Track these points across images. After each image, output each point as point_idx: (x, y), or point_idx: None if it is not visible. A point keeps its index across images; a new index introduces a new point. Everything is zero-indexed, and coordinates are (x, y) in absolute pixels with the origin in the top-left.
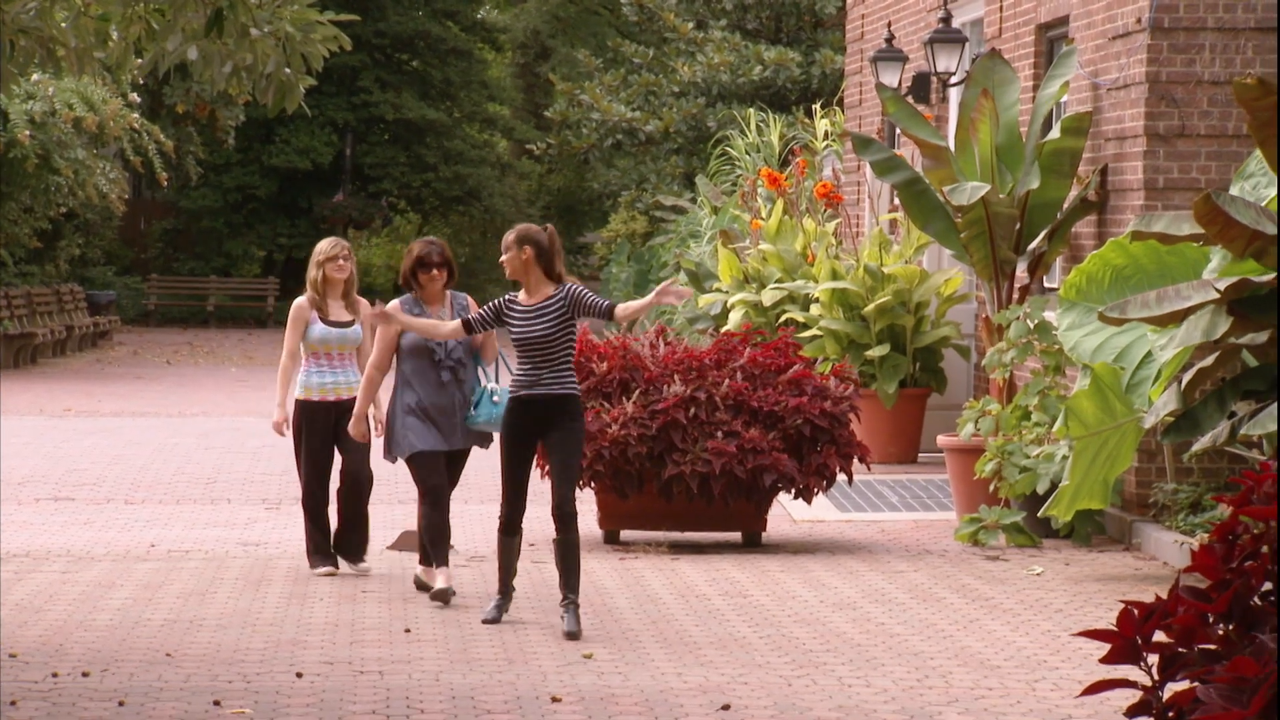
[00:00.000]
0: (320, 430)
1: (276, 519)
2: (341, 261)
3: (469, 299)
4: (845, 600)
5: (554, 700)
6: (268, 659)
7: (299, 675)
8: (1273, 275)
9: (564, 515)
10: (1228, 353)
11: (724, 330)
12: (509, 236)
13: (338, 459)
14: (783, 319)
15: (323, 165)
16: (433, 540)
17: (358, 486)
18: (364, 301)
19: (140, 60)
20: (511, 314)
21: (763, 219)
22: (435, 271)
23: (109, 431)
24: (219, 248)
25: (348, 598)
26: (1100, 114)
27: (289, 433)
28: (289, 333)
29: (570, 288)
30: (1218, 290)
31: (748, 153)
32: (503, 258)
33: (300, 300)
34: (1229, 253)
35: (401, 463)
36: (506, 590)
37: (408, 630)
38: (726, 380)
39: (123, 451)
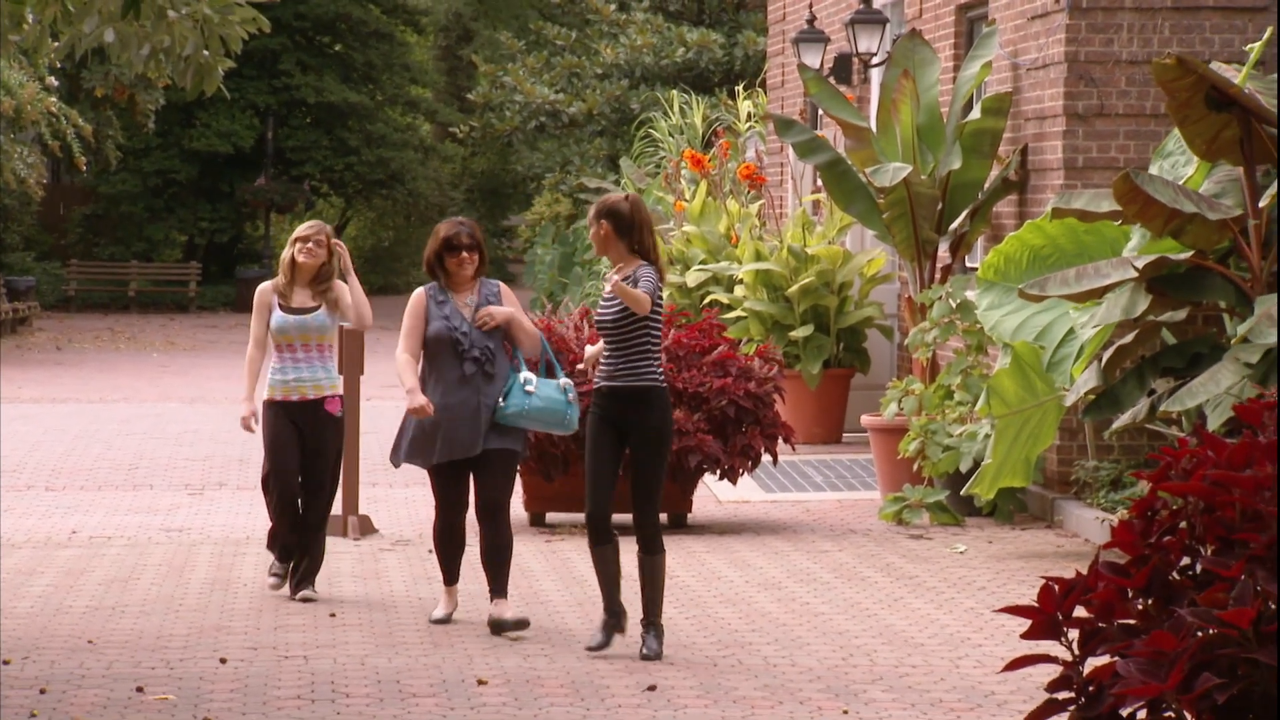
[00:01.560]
0: (281, 433)
1: (199, 505)
2: (312, 246)
3: (502, 285)
4: (770, 580)
5: (480, 683)
6: (191, 645)
7: (223, 661)
8: (1191, 253)
9: (646, 535)
10: (1147, 330)
11: None
12: (591, 210)
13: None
14: (707, 300)
15: (244, 149)
16: (442, 555)
17: (315, 502)
18: (342, 285)
19: (57, 43)
20: (601, 298)
21: (686, 201)
22: (465, 255)
23: (29, 418)
24: (140, 233)
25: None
26: (1020, 94)
27: (259, 429)
28: (253, 320)
29: (639, 267)
30: (1136, 268)
31: (671, 135)
32: (589, 227)
33: (264, 285)
34: (1148, 231)
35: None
36: (614, 609)
37: (333, 615)
38: None
39: (43, 438)
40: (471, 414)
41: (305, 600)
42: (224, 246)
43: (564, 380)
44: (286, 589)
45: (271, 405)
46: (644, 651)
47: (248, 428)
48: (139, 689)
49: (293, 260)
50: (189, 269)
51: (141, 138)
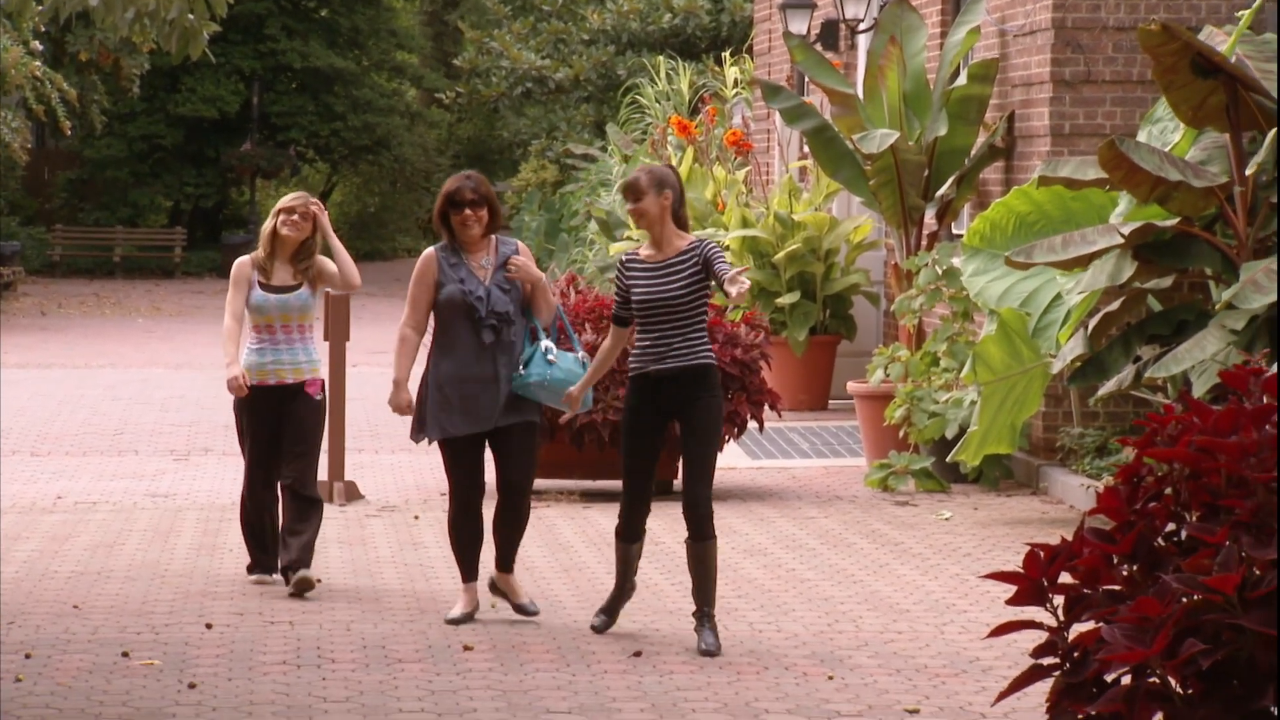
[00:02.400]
0: (260, 417)
1: (185, 470)
2: (296, 218)
3: (520, 244)
4: (756, 546)
5: (466, 649)
6: (177, 610)
7: (209, 626)
8: (1177, 220)
9: (699, 516)
10: (1133, 297)
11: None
12: (641, 179)
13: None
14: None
15: (230, 114)
16: (457, 545)
17: (298, 487)
18: (326, 261)
19: (41, 7)
20: (633, 274)
21: (673, 167)
22: (469, 211)
23: (14, 383)
24: (125, 198)
25: None
26: (1007, 60)
27: (246, 384)
28: (229, 294)
29: (705, 243)
30: (1123, 235)
31: (658, 101)
32: (634, 204)
33: (243, 258)
34: (1134, 198)
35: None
36: (621, 594)
37: (319, 580)
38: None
39: (28, 403)
40: (490, 384)
41: (303, 583)
42: (209, 212)
43: (581, 354)
44: (299, 629)
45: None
46: (702, 646)
47: (239, 388)
48: (125, 654)
49: (274, 232)
50: (174, 234)
51: (126, 102)
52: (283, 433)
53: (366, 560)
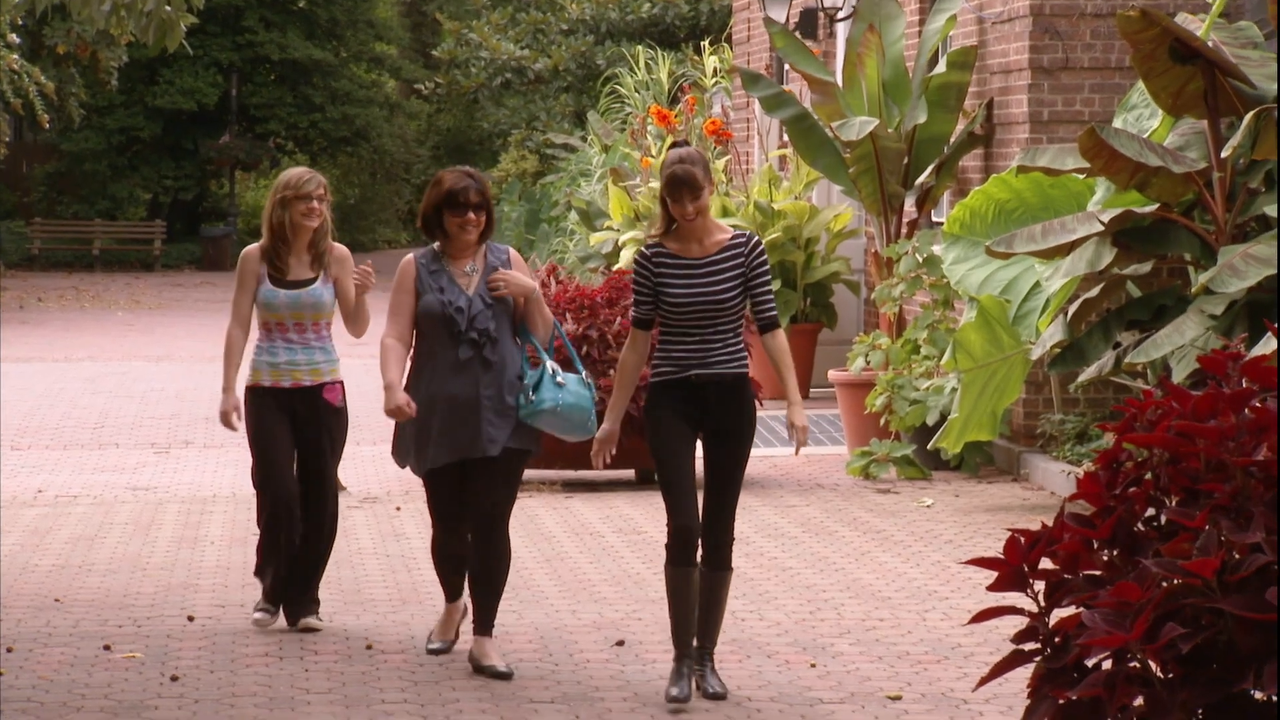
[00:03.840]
0: (272, 425)
1: (165, 463)
2: (315, 204)
3: (512, 252)
4: (738, 535)
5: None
6: (158, 603)
7: (190, 619)
8: (1156, 206)
9: (720, 542)
10: (1112, 284)
11: (615, 269)
12: (696, 172)
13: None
14: (653, 237)
15: (208, 106)
16: (441, 572)
17: (316, 514)
18: (340, 249)
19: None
20: (667, 271)
21: (653, 157)
22: (472, 215)
23: None
24: (103, 190)
25: (239, 540)
26: (985, 48)
27: (240, 425)
28: (236, 292)
29: (750, 238)
30: (1102, 222)
31: (637, 90)
32: (694, 202)
33: (250, 248)
34: (1113, 185)
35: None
36: (685, 646)
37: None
38: (619, 318)
39: (7, 397)
40: (471, 408)
41: (307, 630)
42: (188, 204)
43: (584, 373)
44: (281, 620)
45: (257, 392)
46: (710, 690)
47: (229, 424)
48: (106, 647)
49: (290, 221)
50: (153, 227)
51: (104, 95)
52: (299, 443)
53: (348, 552)
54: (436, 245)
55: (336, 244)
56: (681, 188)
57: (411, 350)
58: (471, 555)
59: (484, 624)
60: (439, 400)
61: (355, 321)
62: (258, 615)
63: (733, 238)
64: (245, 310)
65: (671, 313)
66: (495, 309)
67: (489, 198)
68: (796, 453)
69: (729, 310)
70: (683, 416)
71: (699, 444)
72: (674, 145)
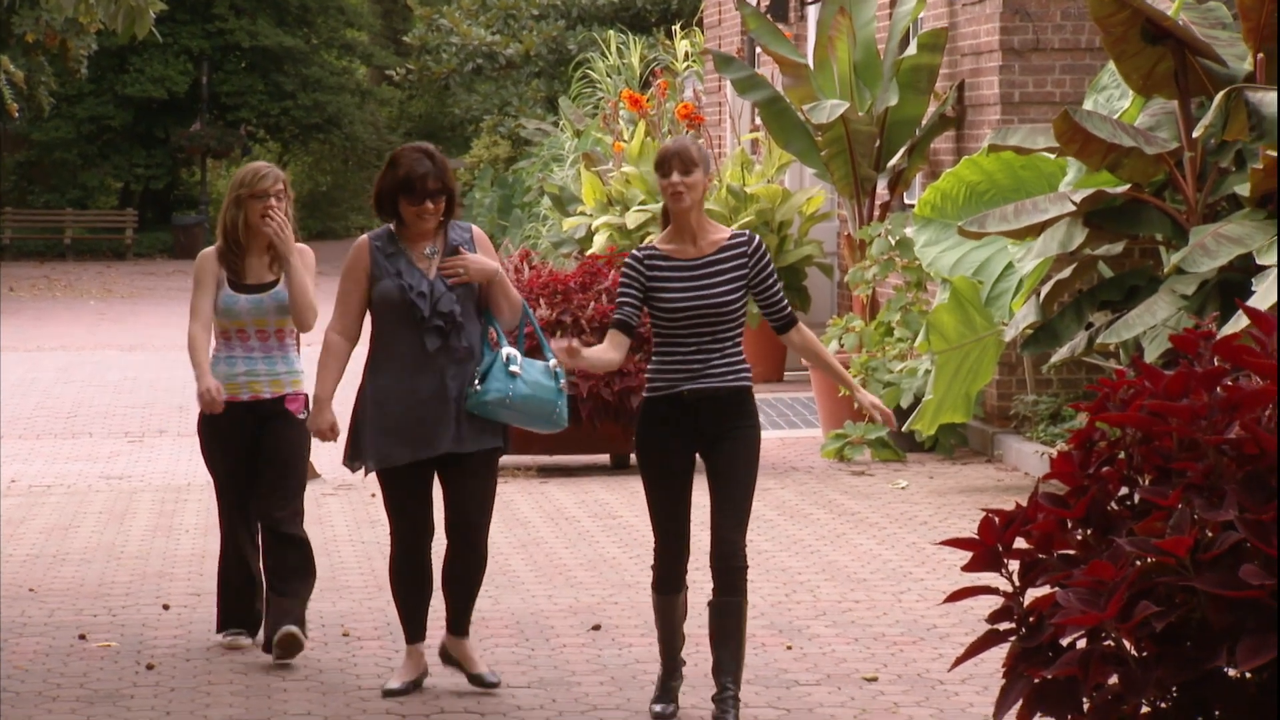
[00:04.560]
0: (232, 442)
1: (139, 452)
2: (272, 202)
3: (475, 230)
4: None
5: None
6: (134, 592)
7: (166, 607)
8: (1127, 186)
9: (731, 568)
10: (1084, 264)
11: (589, 253)
12: (691, 148)
13: None
14: (647, 241)
15: (179, 94)
16: (400, 599)
17: (275, 533)
18: (302, 248)
19: None
20: (660, 273)
21: (625, 141)
22: (429, 205)
23: None
24: (74, 180)
25: (214, 528)
26: (956, 29)
27: (222, 398)
28: (195, 294)
29: (753, 238)
30: (1074, 203)
31: (609, 75)
32: (683, 176)
33: (207, 251)
34: (1084, 166)
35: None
36: (671, 668)
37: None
38: (592, 303)
39: None
40: (437, 402)
41: (289, 644)
42: (160, 193)
43: (553, 361)
44: (254, 639)
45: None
46: None
47: (212, 403)
48: (81, 636)
49: (244, 223)
50: (125, 216)
51: (74, 84)
52: (259, 460)
53: (324, 539)
54: (392, 226)
55: (303, 245)
56: (671, 159)
57: (367, 344)
58: (446, 559)
59: (461, 625)
60: (402, 395)
61: (296, 311)
62: (226, 637)
63: (731, 237)
64: (206, 311)
65: (665, 320)
66: (460, 292)
67: (450, 181)
68: (891, 424)
69: (729, 316)
70: (676, 439)
71: (699, 460)
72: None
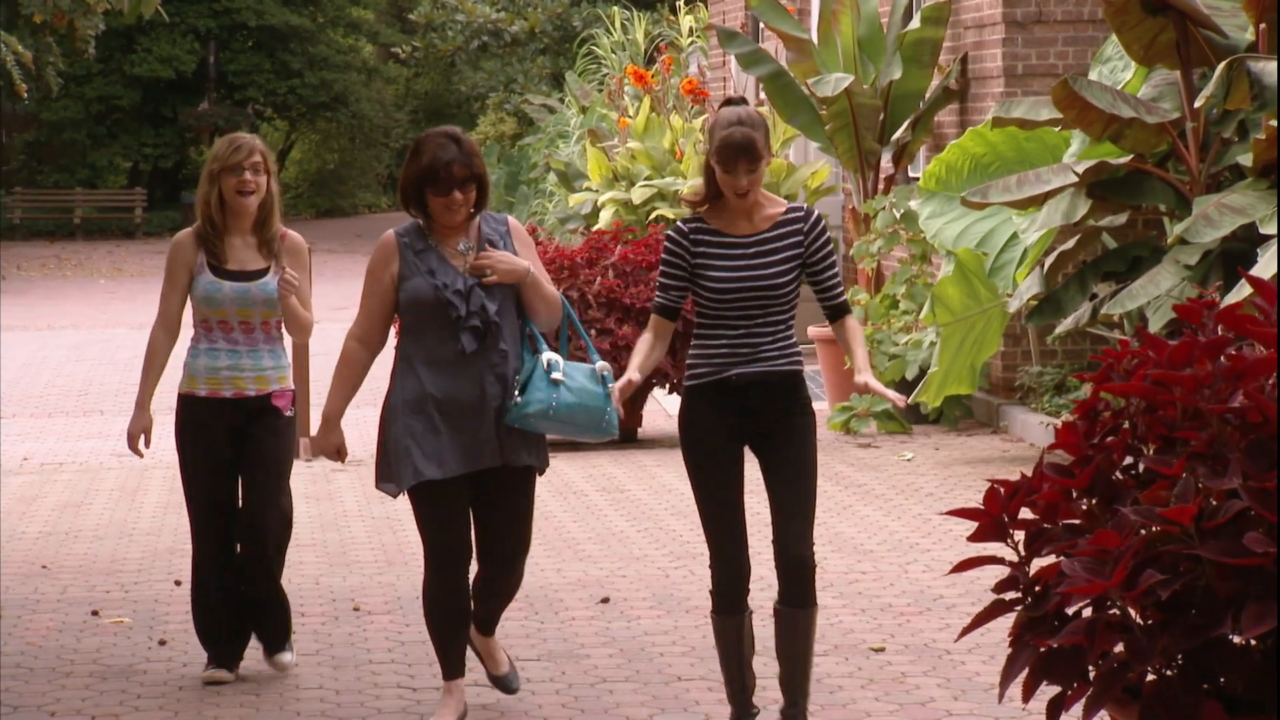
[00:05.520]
0: (208, 443)
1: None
2: (248, 176)
3: (512, 222)
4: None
5: None
6: (145, 568)
7: (177, 583)
8: (1130, 157)
9: (800, 573)
10: (1088, 235)
11: (595, 229)
12: (755, 137)
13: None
14: (653, 216)
15: (186, 74)
16: (437, 631)
17: (258, 542)
18: (294, 238)
19: None
20: (708, 250)
21: (630, 117)
22: (458, 195)
23: None
24: (83, 159)
25: None
26: (959, 2)
27: (146, 450)
28: (165, 285)
29: (810, 213)
30: (1077, 174)
31: (614, 51)
32: (751, 172)
33: (181, 235)
34: (1088, 137)
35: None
36: (743, 705)
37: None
38: (598, 278)
39: None
40: (476, 411)
41: (282, 668)
42: (168, 172)
43: (600, 364)
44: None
45: (190, 403)
46: None
47: (134, 446)
48: (94, 612)
49: (222, 199)
50: (134, 195)
51: (82, 64)
52: (243, 461)
53: (333, 514)
54: (418, 224)
55: (290, 231)
56: (739, 157)
57: (380, 351)
58: (479, 577)
59: (488, 624)
60: (438, 403)
61: (292, 325)
62: (206, 671)
63: (787, 211)
64: (175, 308)
65: (712, 300)
66: (497, 289)
67: (479, 167)
68: (901, 403)
69: (781, 297)
70: (724, 431)
71: (749, 454)
72: (728, 102)
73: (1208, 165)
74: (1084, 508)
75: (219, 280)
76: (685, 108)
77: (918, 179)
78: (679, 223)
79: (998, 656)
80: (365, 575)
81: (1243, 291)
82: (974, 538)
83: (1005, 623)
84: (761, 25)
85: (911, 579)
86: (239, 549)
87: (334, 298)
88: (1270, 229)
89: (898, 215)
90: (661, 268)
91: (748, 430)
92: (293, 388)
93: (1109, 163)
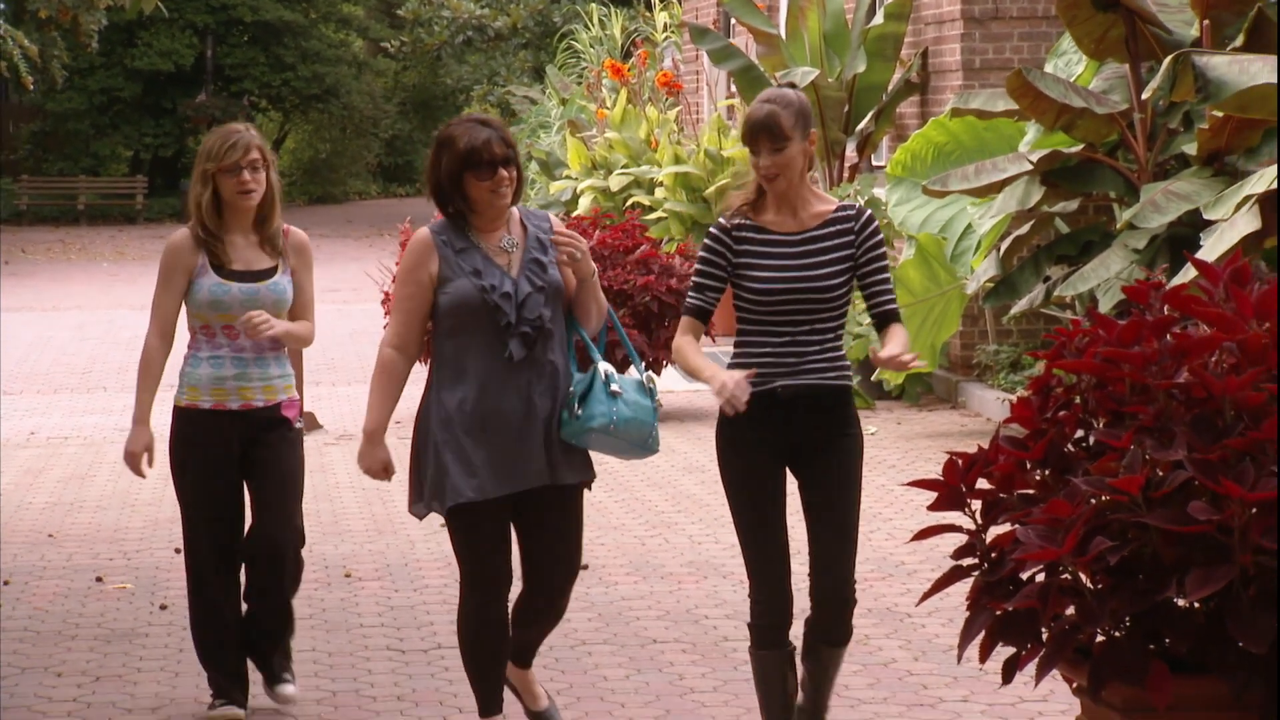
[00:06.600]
0: (213, 460)
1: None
2: (247, 176)
3: (554, 219)
4: (694, 464)
5: (421, 566)
6: (147, 537)
7: (177, 551)
8: (1081, 146)
9: (838, 609)
10: (1042, 221)
11: (574, 215)
12: (781, 114)
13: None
14: (629, 202)
15: (185, 67)
16: (474, 662)
17: (275, 561)
18: (298, 235)
19: None
20: (751, 248)
21: (608, 109)
22: (504, 173)
23: None
24: (87, 148)
25: None
26: None
27: (148, 468)
28: (159, 290)
29: (863, 209)
30: (1031, 162)
31: (592, 46)
32: (774, 155)
33: (177, 237)
34: (1041, 127)
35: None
36: None
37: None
38: None
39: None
40: (524, 423)
41: (285, 701)
42: (168, 160)
43: (647, 374)
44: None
45: (192, 416)
46: None
47: (136, 469)
48: (98, 579)
49: (215, 200)
50: (135, 182)
51: (86, 57)
52: (253, 477)
53: (326, 486)
54: (451, 216)
55: (292, 227)
56: (759, 133)
57: (418, 359)
58: (521, 602)
59: (525, 655)
60: (482, 416)
61: (296, 345)
62: (215, 712)
63: (837, 209)
64: (171, 314)
65: (754, 303)
66: (548, 292)
67: (514, 144)
68: (877, 357)
69: (831, 301)
70: (765, 448)
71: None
72: (786, 86)
73: (1155, 154)
74: (1037, 478)
75: (226, 282)
76: (660, 100)
77: (881, 167)
78: (721, 219)
79: (956, 620)
80: (356, 544)
81: (1188, 274)
82: (934, 507)
83: (963, 588)
84: (733, 21)
85: (874, 546)
86: (247, 572)
87: (325, 280)
88: (1214, 214)
89: (862, 202)
90: (698, 265)
91: (790, 448)
92: (298, 396)
93: (1061, 152)
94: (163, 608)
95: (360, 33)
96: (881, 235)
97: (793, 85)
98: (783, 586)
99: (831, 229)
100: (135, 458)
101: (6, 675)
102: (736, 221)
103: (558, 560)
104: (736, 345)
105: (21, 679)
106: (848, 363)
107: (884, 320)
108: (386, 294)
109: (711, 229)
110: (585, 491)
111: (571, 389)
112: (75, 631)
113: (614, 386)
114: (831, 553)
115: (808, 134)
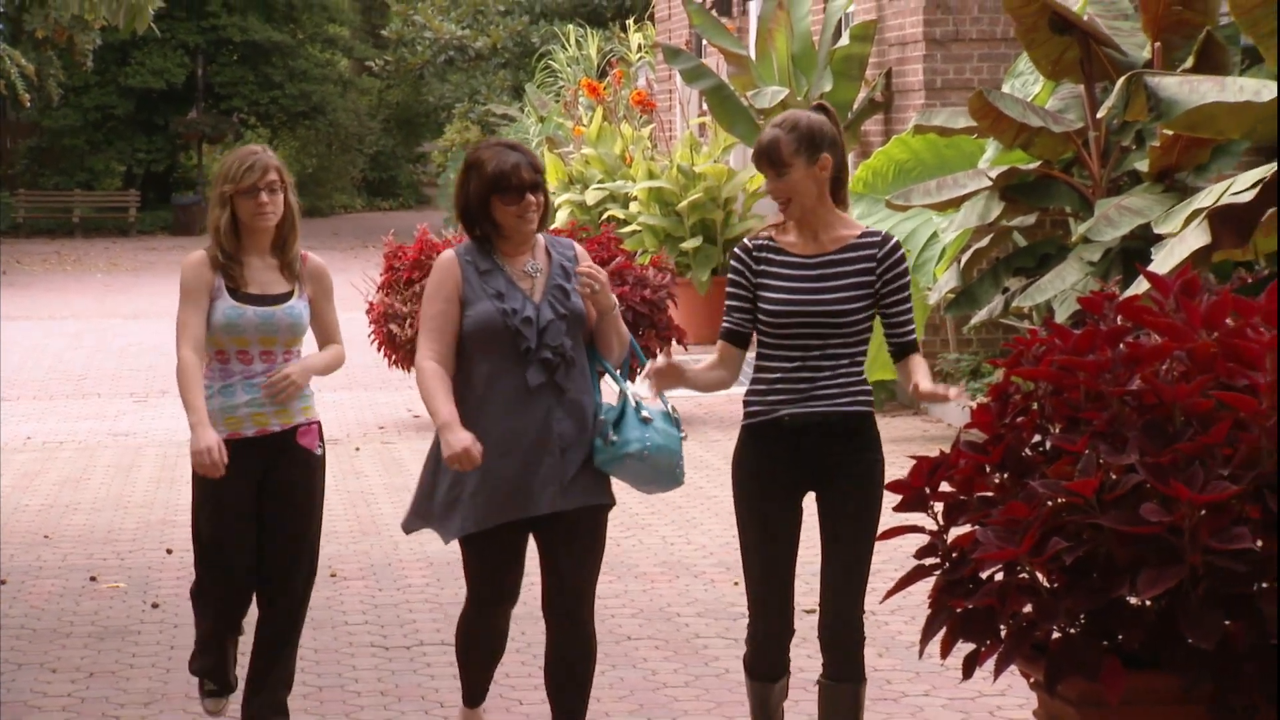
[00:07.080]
0: (233, 491)
1: (144, 411)
2: (264, 198)
3: (579, 248)
4: None
5: (404, 566)
6: (140, 538)
7: (169, 551)
8: (1039, 163)
9: (847, 644)
10: (1000, 234)
11: (551, 228)
12: (782, 139)
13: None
14: (605, 216)
15: (176, 85)
16: (467, 659)
17: (289, 604)
18: (315, 262)
19: None
20: (770, 269)
21: (584, 126)
22: (531, 198)
23: None
24: (82, 163)
25: None
26: (884, 22)
27: (223, 458)
28: (183, 308)
29: (887, 239)
30: (991, 178)
31: (569, 65)
32: (775, 180)
33: (194, 257)
34: (1000, 145)
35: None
36: None
37: None
38: None
39: None
40: (539, 450)
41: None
42: (160, 175)
43: (672, 404)
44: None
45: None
46: None
47: (214, 466)
48: (92, 578)
49: (233, 223)
50: (128, 196)
51: (81, 76)
52: (268, 506)
53: None
54: (479, 240)
55: (311, 255)
56: (760, 160)
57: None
58: (550, 647)
59: (470, 691)
60: (501, 441)
61: (326, 364)
62: (207, 701)
63: (861, 235)
64: (198, 330)
65: (768, 326)
66: (570, 320)
67: (543, 169)
68: (919, 392)
69: (846, 327)
70: (777, 477)
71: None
72: (817, 107)
73: (1108, 171)
74: (997, 481)
75: (241, 305)
76: (634, 117)
77: None
78: (745, 239)
79: (918, 617)
80: (341, 544)
81: (1140, 286)
82: (898, 509)
83: (925, 586)
84: (704, 42)
85: None
86: (261, 604)
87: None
88: (1164, 229)
89: None
90: (727, 288)
91: (803, 478)
92: (319, 420)
93: (1020, 168)
94: (154, 606)
95: (345, 52)
96: (906, 264)
97: (823, 107)
98: (784, 616)
99: (851, 254)
100: (210, 451)
101: (4, 671)
102: (759, 242)
103: (575, 576)
104: (755, 369)
105: (18, 674)
106: (868, 388)
107: (901, 351)
108: (370, 304)
109: (735, 249)
110: (607, 511)
111: (603, 417)
112: (70, 629)
113: (644, 413)
114: (835, 587)
115: (816, 158)
